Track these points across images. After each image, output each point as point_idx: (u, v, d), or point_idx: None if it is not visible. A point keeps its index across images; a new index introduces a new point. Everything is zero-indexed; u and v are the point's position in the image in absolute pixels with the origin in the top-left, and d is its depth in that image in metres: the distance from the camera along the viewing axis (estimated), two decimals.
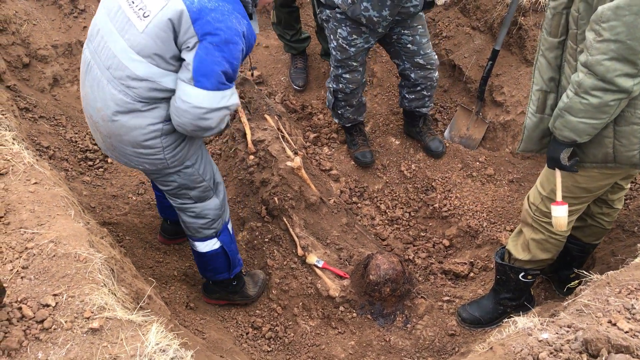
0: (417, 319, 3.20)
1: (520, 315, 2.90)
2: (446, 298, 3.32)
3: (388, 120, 4.32)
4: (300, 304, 3.25)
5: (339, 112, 3.92)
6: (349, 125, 4.03)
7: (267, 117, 3.73)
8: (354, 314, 3.20)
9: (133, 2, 2.32)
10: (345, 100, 3.81)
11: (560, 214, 2.46)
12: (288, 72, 4.51)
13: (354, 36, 3.47)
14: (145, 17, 2.28)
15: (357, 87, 3.73)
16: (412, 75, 3.74)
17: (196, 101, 2.28)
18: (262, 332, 3.17)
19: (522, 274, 2.89)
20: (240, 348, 3.02)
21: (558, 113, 2.22)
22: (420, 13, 3.53)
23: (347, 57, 3.57)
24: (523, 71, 3.92)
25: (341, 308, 3.20)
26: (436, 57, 3.74)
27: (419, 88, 3.81)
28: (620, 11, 1.90)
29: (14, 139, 2.61)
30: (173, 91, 2.35)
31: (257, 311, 3.28)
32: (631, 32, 1.91)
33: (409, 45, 3.59)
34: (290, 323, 3.21)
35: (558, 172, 2.44)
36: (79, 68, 4.05)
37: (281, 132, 3.71)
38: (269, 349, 3.11)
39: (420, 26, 3.55)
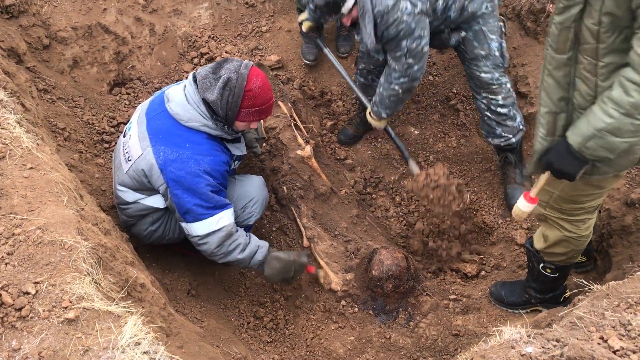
0: (420, 316, 3.12)
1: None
2: (453, 296, 3.22)
3: (408, 110, 4.20)
4: (303, 296, 3.22)
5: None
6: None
7: (281, 103, 3.67)
8: (356, 309, 3.15)
9: (124, 146, 2.88)
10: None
11: (525, 210, 2.40)
12: (300, 47, 4.44)
13: None
14: (129, 160, 2.83)
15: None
16: (478, 100, 3.53)
17: (192, 232, 2.78)
18: (263, 322, 3.15)
19: (542, 264, 2.83)
20: (239, 338, 3.00)
21: (594, 134, 1.99)
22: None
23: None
24: None
25: (343, 302, 3.15)
26: (498, 78, 3.40)
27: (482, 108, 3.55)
28: None
29: (17, 122, 2.63)
30: (156, 208, 2.90)
31: (261, 300, 3.26)
32: None
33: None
34: (291, 315, 3.18)
35: (547, 173, 2.33)
36: (98, 50, 4.09)
37: (294, 119, 3.65)
38: (268, 340, 3.08)
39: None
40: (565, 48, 2.04)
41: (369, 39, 3.08)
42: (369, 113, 3.63)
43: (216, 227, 2.74)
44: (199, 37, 4.40)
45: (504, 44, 3.38)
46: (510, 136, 3.55)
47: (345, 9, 3.02)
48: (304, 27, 3.72)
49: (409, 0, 3.01)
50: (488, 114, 3.50)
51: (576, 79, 2.08)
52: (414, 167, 3.66)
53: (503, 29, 3.39)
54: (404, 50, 3.15)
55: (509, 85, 3.46)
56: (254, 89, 2.69)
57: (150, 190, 2.85)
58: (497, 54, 3.35)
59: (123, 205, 2.94)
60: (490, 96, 3.43)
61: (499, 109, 3.46)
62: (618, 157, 2.12)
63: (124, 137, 2.96)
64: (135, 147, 2.80)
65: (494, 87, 3.40)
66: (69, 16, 3.95)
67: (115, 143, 3.84)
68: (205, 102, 2.70)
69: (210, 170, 2.69)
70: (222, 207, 2.75)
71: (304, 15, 3.69)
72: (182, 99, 2.73)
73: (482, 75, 3.38)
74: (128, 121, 3.87)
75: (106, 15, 4.09)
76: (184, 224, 2.79)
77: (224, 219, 2.76)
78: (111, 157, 3.79)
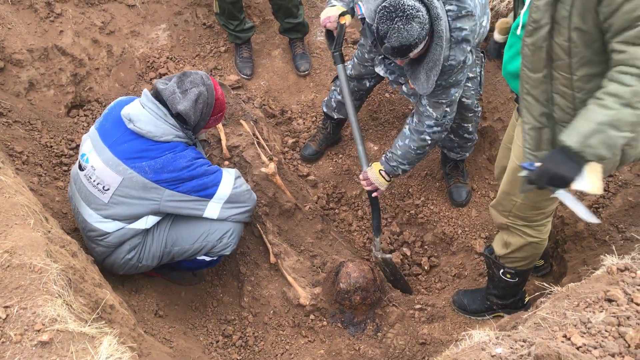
0: (388, 327, 3.18)
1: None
2: (418, 306, 3.31)
3: (367, 126, 4.30)
4: (271, 312, 3.24)
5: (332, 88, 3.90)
6: (323, 112, 4.04)
7: (243, 122, 3.71)
8: (325, 323, 3.19)
9: (90, 178, 2.82)
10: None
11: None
12: (234, 62, 4.53)
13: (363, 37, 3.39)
14: (106, 190, 2.79)
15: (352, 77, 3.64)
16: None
17: (224, 194, 2.90)
18: (232, 340, 3.15)
19: (502, 270, 2.93)
20: (209, 357, 3.00)
21: (595, 129, 1.95)
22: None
23: (359, 54, 3.55)
24: (500, 77, 3.90)
25: (311, 316, 3.19)
26: (476, 105, 3.41)
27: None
28: None
29: None
30: (137, 232, 2.88)
31: (229, 318, 3.26)
32: None
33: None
34: (260, 331, 3.20)
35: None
36: (55, 72, 4.04)
37: (256, 137, 3.69)
38: (238, 358, 3.09)
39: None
40: (540, 67, 2.11)
41: (425, 88, 2.85)
42: (379, 172, 3.30)
43: (233, 174, 3.00)
44: (157, 58, 4.41)
45: (483, 73, 3.38)
46: (467, 153, 3.73)
47: (413, 53, 2.72)
48: (347, 21, 3.22)
49: (471, 52, 2.93)
50: (452, 136, 3.59)
51: (554, 94, 2.15)
52: (377, 244, 3.48)
53: (483, 59, 3.37)
54: (450, 99, 3.03)
55: (480, 114, 3.54)
56: (220, 96, 2.97)
57: (134, 219, 2.86)
58: (479, 79, 3.36)
59: (101, 237, 2.88)
60: (462, 123, 3.49)
61: (466, 135, 3.57)
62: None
63: (81, 169, 2.89)
64: (109, 175, 2.77)
65: (469, 114, 3.43)
66: (24, 38, 3.90)
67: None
68: (172, 114, 2.81)
69: (195, 156, 2.85)
70: (219, 168, 2.98)
71: (340, 7, 3.24)
72: (148, 117, 2.77)
73: (463, 99, 3.33)
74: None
75: (63, 37, 4.05)
76: (214, 201, 2.90)
77: (229, 169, 3.03)
78: None
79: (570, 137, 2.01)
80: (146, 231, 2.92)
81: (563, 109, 2.15)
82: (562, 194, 2.16)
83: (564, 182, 2.10)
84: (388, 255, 3.46)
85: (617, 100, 1.92)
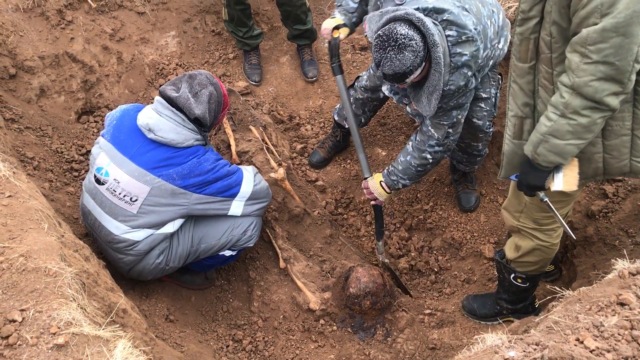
0: (397, 332, 3.19)
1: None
2: (428, 311, 3.31)
3: (375, 132, 4.32)
4: (281, 316, 3.25)
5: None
6: (334, 120, 4.05)
7: (252, 128, 3.73)
8: (334, 327, 3.19)
9: (115, 191, 2.83)
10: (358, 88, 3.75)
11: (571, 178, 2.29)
12: (242, 68, 4.57)
13: None
14: (133, 201, 2.81)
15: (363, 91, 3.68)
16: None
17: (246, 192, 3.01)
18: (242, 345, 3.16)
19: (512, 275, 2.94)
20: None
21: (540, 138, 2.15)
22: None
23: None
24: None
25: (321, 321, 3.20)
26: (488, 126, 3.39)
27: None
28: (607, 33, 1.87)
29: None
30: (169, 234, 2.94)
31: (239, 323, 3.27)
32: (619, 53, 1.90)
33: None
34: (270, 336, 3.20)
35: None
36: (66, 79, 4.07)
37: (266, 143, 3.71)
38: None
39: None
40: (527, 57, 2.20)
41: (428, 111, 2.85)
42: (380, 183, 3.36)
43: (252, 172, 3.11)
44: (167, 65, 4.44)
45: (499, 95, 3.36)
46: (475, 166, 3.73)
47: (409, 79, 2.74)
48: (342, 34, 3.29)
49: (474, 76, 2.93)
50: (461, 153, 3.60)
51: (539, 87, 2.24)
52: (379, 248, 3.58)
53: (500, 81, 3.36)
54: (452, 120, 3.04)
55: (491, 134, 3.50)
56: (225, 93, 3.08)
57: (163, 225, 2.91)
58: (493, 100, 3.33)
59: (130, 246, 2.90)
60: (471, 142, 3.48)
61: (475, 152, 3.57)
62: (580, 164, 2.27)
63: (99, 183, 2.87)
64: (136, 186, 2.79)
65: (480, 134, 3.41)
66: (36, 45, 3.94)
67: (85, 171, 3.81)
68: (189, 118, 2.86)
69: (216, 157, 2.95)
70: (238, 167, 3.09)
71: (339, 20, 3.28)
72: (168, 124, 2.80)
73: (474, 120, 3.32)
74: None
75: (73, 44, 4.09)
76: (237, 199, 3.01)
77: (247, 167, 3.16)
78: (81, 186, 3.76)
79: (527, 146, 2.23)
80: (172, 233, 2.95)
81: (545, 103, 2.23)
82: (546, 200, 2.36)
83: (537, 188, 2.32)
84: (385, 260, 3.58)
85: (555, 111, 2.08)
